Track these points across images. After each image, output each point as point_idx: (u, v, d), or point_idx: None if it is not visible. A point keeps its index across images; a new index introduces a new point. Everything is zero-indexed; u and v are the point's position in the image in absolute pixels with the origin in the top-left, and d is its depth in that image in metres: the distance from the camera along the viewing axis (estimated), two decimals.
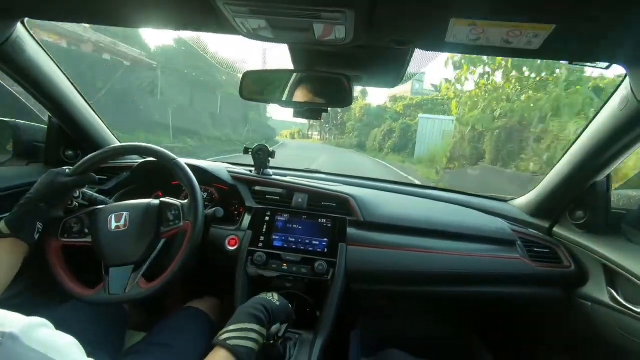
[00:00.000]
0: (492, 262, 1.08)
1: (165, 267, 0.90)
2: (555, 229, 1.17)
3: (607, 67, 0.76)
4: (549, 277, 1.09)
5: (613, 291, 0.95)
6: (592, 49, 0.69)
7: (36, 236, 0.82)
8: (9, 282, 0.77)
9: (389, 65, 0.90)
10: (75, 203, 0.97)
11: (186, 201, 0.96)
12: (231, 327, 0.68)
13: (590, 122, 0.95)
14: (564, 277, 1.08)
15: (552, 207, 1.18)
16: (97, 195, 1.04)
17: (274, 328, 0.76)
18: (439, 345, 1.46)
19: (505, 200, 1.38)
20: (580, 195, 1.07)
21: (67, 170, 0.91)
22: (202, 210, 0.94)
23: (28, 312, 0.41)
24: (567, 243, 1.12)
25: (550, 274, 1.08)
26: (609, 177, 1.02)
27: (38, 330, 0.39)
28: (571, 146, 1.03)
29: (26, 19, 0.91)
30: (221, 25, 0.69)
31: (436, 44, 0.70)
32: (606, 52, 0.70)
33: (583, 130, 0.98)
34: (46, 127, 1.25)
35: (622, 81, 0.81)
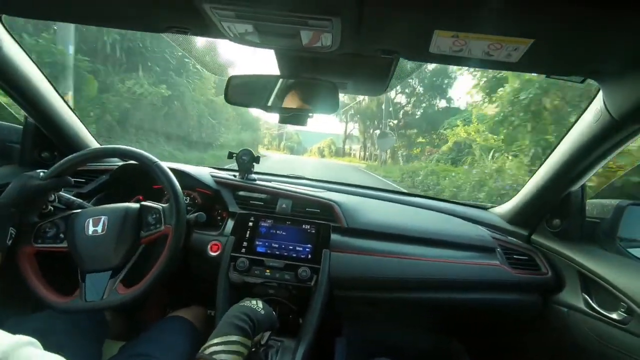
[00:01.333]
0: (472, 268, 1.10)
1: (145, 273, 0.88)
2: (533, 237, 1.20)
3: (582, 82, 0.80)
4: (527, 284, 1.11)
5: (588, 297, 0.98)
6: (568, 64, 0.72)
7: (9, 242, 0.79)
8: None
9: (374, 73, 0.91)
10: (50, 207, 0.94)
11: (167, 205, 0.94)
12: (215, 340, 0.66)
13: (566, 133, 0.99)
14: (541, 284, 1.11)
15: (530, 215, 1.21)
16: (75, 198, 1.01)
17: (257, 337, 0.75)
18: (423, 352, 1.47)
19: (485, 208, 1.41)
20: (556, 204, 1.11)
21: (41, 174, 0.88)
22: (184, 214, 0.93)
23: (1, 325, 0.39)
24: (545, 250, 1.15)
25: (528, 280, 1.11)
26: (583, 187, 1.06)
27: (25, 349, 0.37)
28: (548, 157, 1.07)
29: (3, 16, 0.88)
30: (208, 28, 0.69)
31: (420, 54, 0.72)
32: (581, 67, 0.73)
33: (559, 142, 1.02)
34: (21, 127, 1.20)
35: (596, 95, 0.85)
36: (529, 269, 1.13)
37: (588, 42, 0.60)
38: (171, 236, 0.90)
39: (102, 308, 0.85)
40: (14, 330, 0.39)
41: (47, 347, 0.42)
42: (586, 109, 0.90)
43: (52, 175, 0.89)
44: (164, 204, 0.96)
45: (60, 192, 0.97)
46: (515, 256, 1.16)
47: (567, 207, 1.08)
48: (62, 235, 0.90)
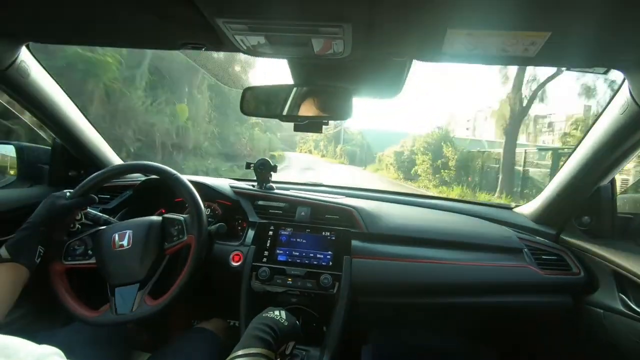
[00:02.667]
0: (499, 270, 1.07)
1: (171, 284, 0.90)
2: (562, 236, 1.16)
3: (605, 72, 0.77)
4: (558, 285, 1.07)
5: (625, 297, 0.93)
6: (589, 55, 0.70)
7: (37, 260, 0.82)
8: (10, 306, 0.76)
9: (388, 77, 0.91)
10: (78, 225, 0.97)
11: (188, 215, 0.96)
12: (239, 352, 0.66)
13: (591, 127, 0.95)
14: (573, 285, 1.06)
15: (557, 213, 1.17)
16: (101, 214, 1.04)
17: (282, 347, 0.75)
18: (452, 358, 1.43)
19: (510, 208, 1.37)
20: (585, 200, 1.06)
21: (67, 193, 0.92)
22: (205, 223, 0.94)
23: (29, 336, 0.41)
24: (575, 249, 1.11)
25: (559, 281, 1.07)
26: (613, 181, 1.02)
27: (50, 359, 0.38)
28: (573, 152, 1.03)
29: (30, 43, 0.93)
30: (221, 42, 0.70)
31: (433, 54, 0.71)
32: (604, 57, 0.70)
33: (584, 136, 0.98)
34: (50, 148, 1.26)
35: (621, 85, 0.82)
36: (559, 270, 1.09)
37: (609, 31, 0.58)
38: (194, 245, 0.92)
39: (133, 320, 0.87)
40: (42, 343, 0.41)
41: (74, 359, 0.43)
42: (610, 100, 0.87)
43: (77, 195, 0.92)
44: (185, 215, 0.98)
45: (87, 210, 1.01)
46: (543, 256, 1.12)
47: (597, 203, 1.04)
48: (90, 252, 0.93)
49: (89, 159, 1.29)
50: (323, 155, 30.30)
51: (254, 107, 0.95)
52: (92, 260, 0.92)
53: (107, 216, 1.06)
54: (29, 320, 1.09)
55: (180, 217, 0.97)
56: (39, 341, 0.40)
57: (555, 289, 1.08)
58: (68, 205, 0.90)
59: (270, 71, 1.05)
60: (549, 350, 1.27)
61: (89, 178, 0.95)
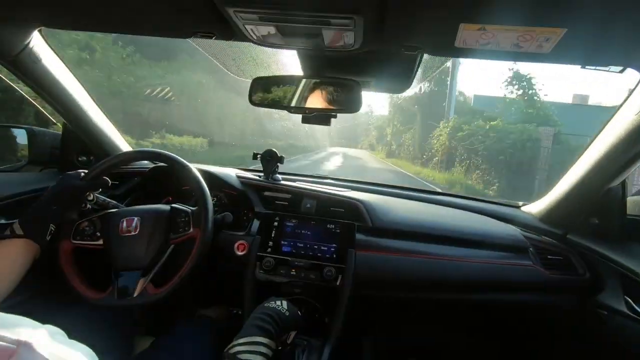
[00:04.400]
0: (504, 269, 1.06)
1: (173, 273, 0.91)
2: (569, 236, 1.14)
3: (621, 71, 0.75)
4: (563, 285, 1.06)
5: (630, 300, 0.92)
6: (604, 53, 0.68)
7: (48, 237, 0.84)
8: (18, 281, 0.78)
9: (398, 70, 0.90)
10: (89, 206, 0.99)
11: (196, 208, 0.97)
12: (241, 340, 0.68)
13: (604, 127, 0.94)
14: (578, 285, 1.06)
15: (565, 213, 1.16)
16: (110, 200, 1.06)
17: (283, 336, 0.76)
18: (454, 354, 1.44)
19: (517, 206, 1.36)
20: (594, 201, 1.05)
21: (82, 174, 0.93)
22: (212, 218, 0.95)
23: (38, 317, 0.41)
24: (582, 250, 1.09)
25: (564, 281, 1.06)
26: (624, 182, 1.00)
27: (53, 339, 0.39)
28: (584, 151, 1.01)
29: (42, 28, 0.94)
30: (232, 32, 0.70)
31: (445, 49, 0.70)
32: (619, 56, 0.69)
33: (596, 136, 0.97)
34: (60, 133, 1.27)
35: (637, 85, 0.80)
36: (565, 270, 1.08)
37: (627, 29, 0.57)
38: (199, 239, 0.93)
39: (132, 306, 0.90)
40: (47, 323, 0.41)
41: (80, 340, 0.43)
42: (625, 101, 0.85)
43: (91, 176, 0.94)
44: (192, 205, 0.99)
45: (97, 194, 1.03)
46: (549, 256, 1.11)
47: (607, 205, 1.02)
48: (98, 234, 0.95)
49: (98, 145, 1.31)
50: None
51: (262, 98, 0.94)
52: (100, 242, 0.94)
53: (115, 202, 1.07)
54: (38, 302, 1.12)
55: (188, 209, 0.98)
56: (43, 322, 0.41)
57: (560, 289, 1.07)
58: (82, 185, 0.92)
59: (280, 62, 1.04)
60: (551, 349, 1.27)
61: (102, 161, 0.97)
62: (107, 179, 0.98)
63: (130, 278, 0.90)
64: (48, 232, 0.84)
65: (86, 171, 0.95)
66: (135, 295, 0.88)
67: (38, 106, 1.22)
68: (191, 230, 0.95)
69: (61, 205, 0.88)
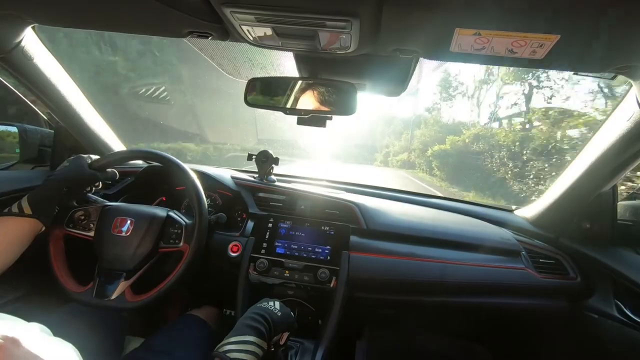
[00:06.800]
0: (496, 272, 1.07)
1: (154, 282, 0.91)
2: (561, 240, 1.16)
3: (613, 78, 0.76)
4: (554, 288, 1.07)
5: (620, 304, 0.93)
6: (597, 60, 0.69)
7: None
8: (16, 258, 0.77)
9: (393, 74, 0.90)
10: (88, 195, 0.99)
11: (190, 222, 0.96)
12: (231, 339, 0.67)
13: (596, 132, 0.95)
14: (569, 289, 1.07)
15: (557, 217, 1.17)
16: (103, 200, 1.05)
17: (276, 337, 0.76)
18: (446, 357, 1.44)
19: (510, 210, 1.37)
20: (586, 206, 1.06)
21: (93, 157, 0.93)
22: (204, 236, 0.95)
23: (27, 315, 0.41)
24: (573, 254, 1.11)
25: (555, 285, 1.07)
26: (614, 187, 1.01)
27: (38, 335, 0.39)
28: (576, 157, 1.03)
29: (36, 25, 0.93)
30: (228, 32, 0.70)
31: (440, 53, 0.71)
32: (611, 62, 0.70)
33: (588, 142, 0.98)
34: (53, 131, 1.26)
35: (628, 91, 0.81)
36: (556, 273, 1.09)
37: (619, 37, 0.57)
38: (186, 256, 0.93)
39: (107, 308, 0.88)
40: (35, 321, 0.41)
41: (69, 339, 0.43)
42: (617, 106, 0.86)
43: (102, 165, 0.94)
44: (185, 207, 0.98)
45: (89, 194, 1.01)
46: (541, 260, 1.12)
47: (598, 209, 1.04)
48: (91, 225, 0.94)
49: (90, 143, 1.29)
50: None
51: (257, 99, 0.94)
52: (91, 234, 0.93)
53: (109, 202, 1.07)
54: (27, 301, 1.10)
55: (183, 220, 0.97)
56: (31, 320, 0.41)
57: (551, 292, 1.08)
58: (94, 174, 0.92)
59: (276, 63, 1.04)
60: (542, 352, 1.28)
61: (110, 154, 0.97)
62: (116, 172, 0.98)
63: (112, 278, 0.89)
64: (54, 214, 0.83)
65: (97, 157, 0.95)
66: (112, 297, 0.87)
67: (30, 104, 1.20)
68: (181, 244, 0.94)
69: (69, 188, 0.87)
